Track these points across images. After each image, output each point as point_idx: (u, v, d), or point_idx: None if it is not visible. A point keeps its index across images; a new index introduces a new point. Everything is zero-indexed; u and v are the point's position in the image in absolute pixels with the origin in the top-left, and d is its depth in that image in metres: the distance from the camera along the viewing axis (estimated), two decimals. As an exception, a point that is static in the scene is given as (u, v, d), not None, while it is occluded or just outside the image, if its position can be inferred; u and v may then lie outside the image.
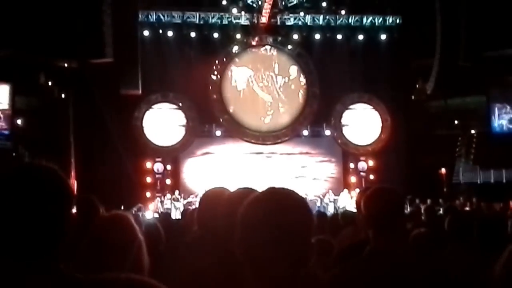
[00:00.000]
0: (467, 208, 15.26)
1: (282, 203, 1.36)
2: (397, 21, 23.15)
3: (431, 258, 3.20)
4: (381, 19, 23.20)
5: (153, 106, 22.14)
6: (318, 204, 20.00)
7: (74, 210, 1.47)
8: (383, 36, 23.27)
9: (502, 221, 3.27)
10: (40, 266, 1.29)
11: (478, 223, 3.06)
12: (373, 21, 23.20)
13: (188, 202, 18.91)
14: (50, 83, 21.55)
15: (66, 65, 21.82)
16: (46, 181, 1.34)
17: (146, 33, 21.98)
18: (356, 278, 2.09)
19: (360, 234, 3.11)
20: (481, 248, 2.97)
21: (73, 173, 19.20)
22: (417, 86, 23.71)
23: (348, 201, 19.12)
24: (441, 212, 8.89)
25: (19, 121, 20.51)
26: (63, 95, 21.51)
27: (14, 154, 18.81)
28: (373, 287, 2.01)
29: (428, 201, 15.28)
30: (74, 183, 18.91)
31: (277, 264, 1.32)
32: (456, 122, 24.43)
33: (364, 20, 23.14)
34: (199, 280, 2.01)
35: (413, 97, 23.92)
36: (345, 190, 20.68)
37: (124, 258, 1.87)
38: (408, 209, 13.12)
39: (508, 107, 25.01)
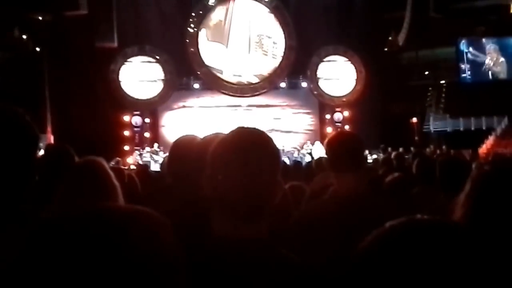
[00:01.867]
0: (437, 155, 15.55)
1: (250, 141, 1.39)
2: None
3: (398, 199, 3.28)
4: (355, -28, 22.90)
5: (129, 59, 21.74)
6: (295, 154, 20.20)
7: (41, 153, 1.44)
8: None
9: (462, 163, 3.37)
10: (5, 209, 1.28)
11: (439, 165, 3.15)
12: (348, -26, 22.89)
13: (166, 155, 18.85)
14: (24, 37, 20.92)
15: (40, 18, 21.15)
16: (8, 123, 1.31)
17: (120, -16, 21.34)
18: (317, 217, 2.17)
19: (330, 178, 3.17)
20: (444, 188, 3.06)
21: (49, 128, 18.92)
22: (390, 38, 23.69)
23: (322, 151, 19.31)
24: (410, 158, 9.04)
25: (-7, 76, 20.02)
26: (37, 49, 20.94)
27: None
28: (333, 225, 2.08)
29: (400, 149, 15.53)
30: (50, 138, 18.69)
31: (245, 199, 1.34)
32: (426, 72, 24.65)
33: (339, -27, 22.82)
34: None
35: (386, 49, 23.94)
36: (317, 142, 20.83)
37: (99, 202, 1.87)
38: (381, 157, 13.34)
39: (477, 58, 25.29)
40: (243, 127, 1.45)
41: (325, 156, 2.41)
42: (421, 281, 0.64)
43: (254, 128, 1.46)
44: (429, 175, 3.63)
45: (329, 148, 2.32)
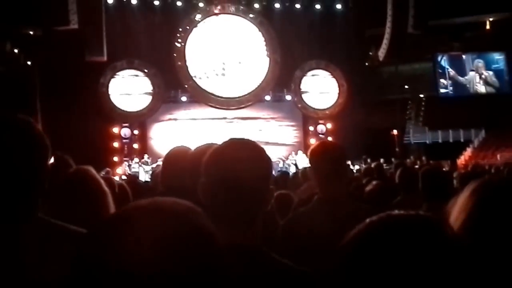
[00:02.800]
0: (417, 166, 15.68)
1: (243, 151, 1.40)
2: (352, -9, 23.22)
3: (380, 207, 3.30)
4: (337, -11, 23.23)
5: (118, 73, 21.68)
6: (281, 165, 20.21)
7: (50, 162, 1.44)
8: (339, 6, 23.40)
9: (444, 173, 3.42)
10: (21, 216, 1.27)
11: (422, 175, 3.19)
12: (330, -9, 23.21)
13: (157, 165, 18.72)
14: (16, 51, 20.81)
15: (31, 32, 21.04)
16: (23, 132, 1.31)
17: (110, 0, 21.35)
18: (303, 222, 2.19)
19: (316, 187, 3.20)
20: (426, 197, 3.10)
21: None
22: (370, 53, 23.96)
23: (306, 161, 19.37)
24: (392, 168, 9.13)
25: (-15, 89, 19.80)
26: (29, 63, 20.81)
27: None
28: (317, 229, 2.10)
29: (381, 160, 15.64)
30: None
31: (238, 206, 1.35)
32: (406, 86, 24.92)
33: (321, -10, 23.13)
34: None
35: (367, 64, 24.20)
36: (300, 152, 20.96)
37: (91, 208, 1.87)
38: (363, 167, 13.43)
39: (453, 72, 25.62)
40: (236, 138, 1.47)
41: (309, 165, 2.43)
42: (403, 273, 0.64)
43: (247, 139, 1.47)
44: (411, 185, 3.67)
45: (312, 158, 2.35)
